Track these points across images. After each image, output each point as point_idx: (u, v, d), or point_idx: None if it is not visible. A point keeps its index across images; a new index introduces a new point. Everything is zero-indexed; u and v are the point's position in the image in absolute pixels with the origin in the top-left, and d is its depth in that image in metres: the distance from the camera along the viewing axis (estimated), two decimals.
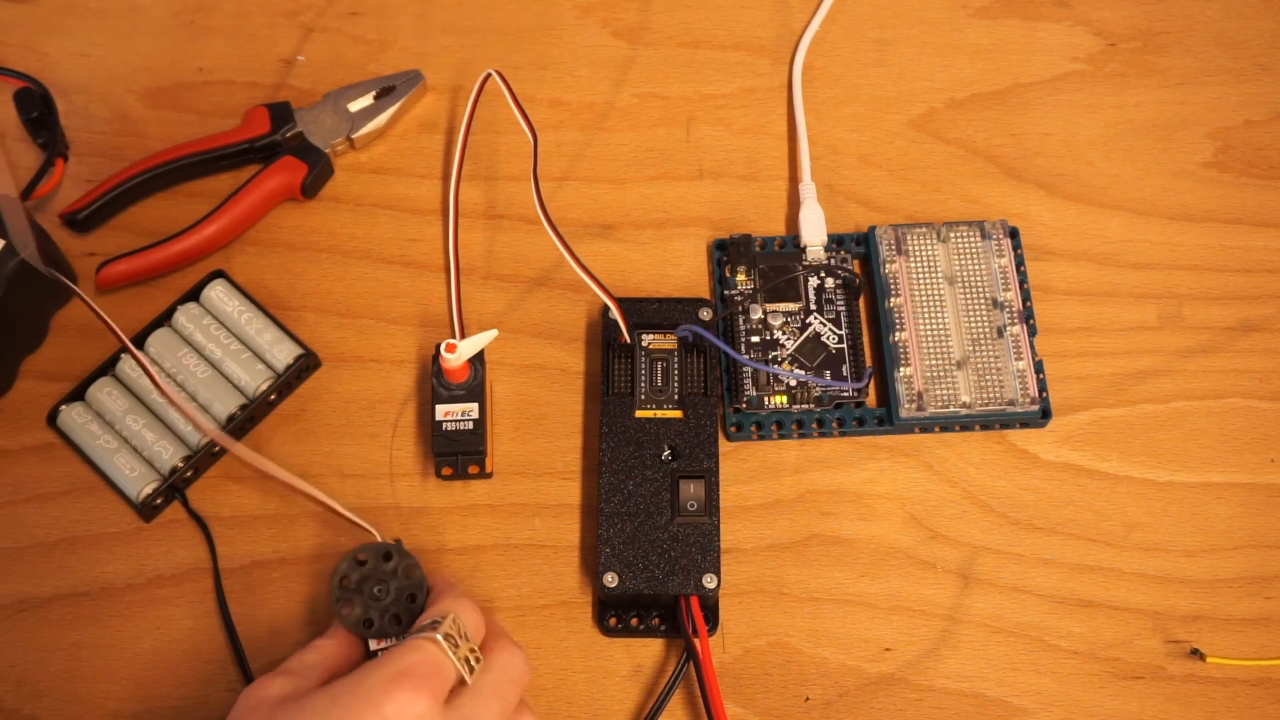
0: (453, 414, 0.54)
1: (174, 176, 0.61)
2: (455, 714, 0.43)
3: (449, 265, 0.60)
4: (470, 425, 0.54)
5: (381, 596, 0.49)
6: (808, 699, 0.53)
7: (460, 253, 0.61)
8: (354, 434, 0.57)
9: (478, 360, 0.55)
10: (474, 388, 0.55)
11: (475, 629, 0.46)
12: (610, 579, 0.52)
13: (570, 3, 0.67)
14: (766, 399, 0.57)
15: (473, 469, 0.55)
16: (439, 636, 0.44)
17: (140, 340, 0.58)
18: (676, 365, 0.56)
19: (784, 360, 0.57)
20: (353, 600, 0.48)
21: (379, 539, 0.53)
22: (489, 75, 0.54)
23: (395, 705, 0.41)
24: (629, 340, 0.56)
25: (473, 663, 0.45)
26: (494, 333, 0.54)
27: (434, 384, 0.55)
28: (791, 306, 0.59)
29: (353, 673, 0.43)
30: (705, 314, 0.57)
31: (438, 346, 0.54)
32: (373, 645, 0.49)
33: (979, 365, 0.57)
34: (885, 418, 0.57)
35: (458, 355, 0.53)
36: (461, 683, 0.44)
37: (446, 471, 0.55)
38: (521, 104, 0.58)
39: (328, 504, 0.55)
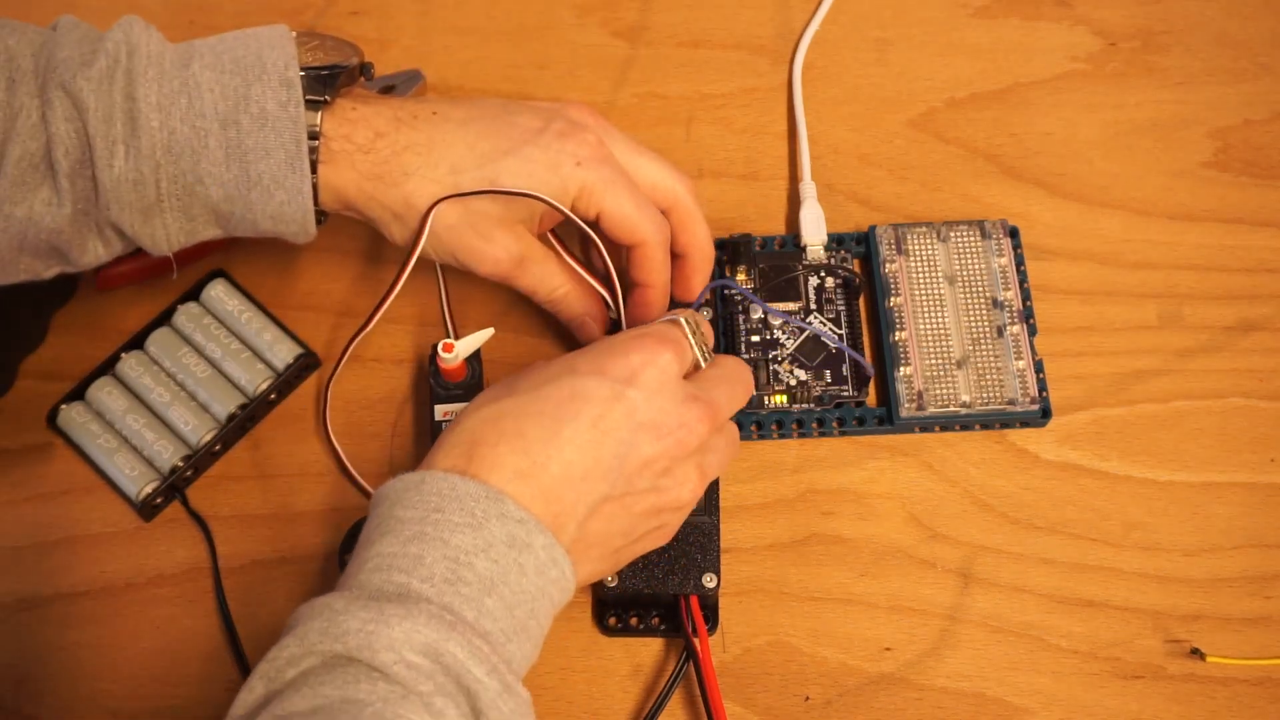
0: (452, 413, 0.55)
1: None
2: (692, 384, 0.48)
3: (437, 264, 0.60)
4: None
5: None
6: (808, 698, 0.53)
7: None
8: (354, 434, 0.57)
9: (475, 359, 0.55)
10: (472, 387, 0.55)
11: (709, 335, 0.51)
12: (610, 578, 0.52)
13: (570, 3, 0.67)
14: (766, 398, 0.56)
15: None
16: (681, 319, 0.49)
17: (140, 340, 0.58)
18: None
19: (784, 360, 0.57)
20: None
21: None
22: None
23: (641, 354, 0.46)
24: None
25: (707, 354, 0.50)
26: (490, 331, 0.54)
27: (431, 384, 0.55)
28: (791, 306, 0.59)
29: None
30: (705, 313, 0.57)
31: (434, 346, 0.54)
32: None
33: (979, 365, 0.57)
34: (885, 417, 0.57)
35: (455, 355, 0.53)
36: (697, 367, 0.49)
37: None
38: None
39: None
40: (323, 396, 0.57)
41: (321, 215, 0.51)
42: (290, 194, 0.48)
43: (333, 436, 0.57)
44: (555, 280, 0.53)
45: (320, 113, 0.49)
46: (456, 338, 0.54)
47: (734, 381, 0.50)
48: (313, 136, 0.48)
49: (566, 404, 0.45)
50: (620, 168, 0.52)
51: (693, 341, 0.49)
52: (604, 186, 0.51)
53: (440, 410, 0.55)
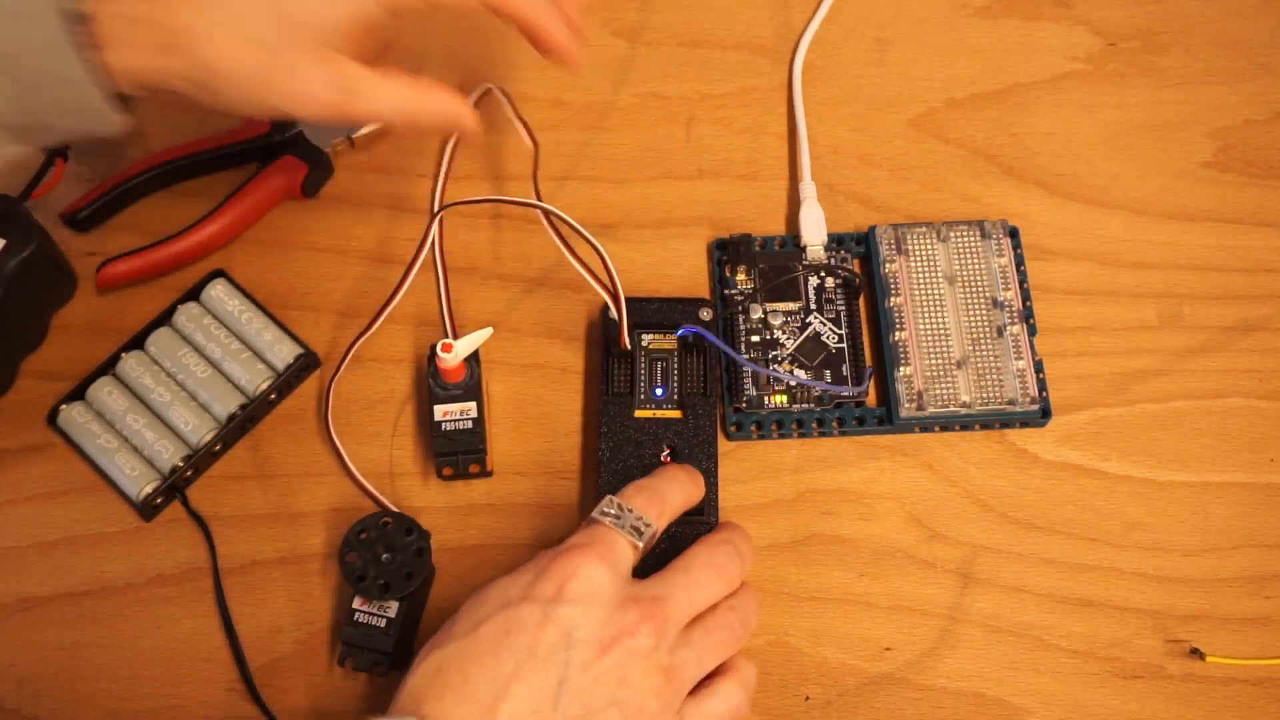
0: (451, 413, 0.55)
1: (174, 176, 0.61)
2: (635, 582, 0.47)
3: (436, 265, 0.60)
4: (469, 424, 0.54)
5: (385, 561, 0.51)
6: (808, 698, 0.53)
7: (461, 251, 0.61)
8: (354, 434, 0.57)
9: (473, 359, 0.55)
10: (471, 387, 0.55)
11: (646, 505, 0.49)
12: None
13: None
14: (766, 398, 0.56)
15: (473, 468, 0.55)
16: (596, 515, 0.48)
17: (140, 340, 0.58)
18: (676, 365, 0.56)
19: (784, 360, 0.57)
20: (357, 551, 0.51)
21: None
22: (488, 89, 0.53)
23: (564, 567, 0.45)
24: (628, 346, 0.56)
25: (641, 529, 0.48)
26: (489, 331, 0.54)
27: (430, 384, 0.55)
28: (791, 306, 0.59)
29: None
30: (705, 314, 0.57)
31: (433, 346, 0.54)
32: (355, 604, 0.51)
33: (979, 365, 0.57)
34: (885, 417, 0.57)
35: (454, 355, 0.53)
36: (635, 549, 0.48)
37: (447, 472, 0.55)
38: (520, 110, 0.57)
39: None
40: (325, 397, 0.57)
41: (127, 100, 0.46)
42: (71, 87, 0.44)
43: (335, 437, 0.57)
44: (394, 96, 0.48)
45: None
46: (456, 338, 0.54)
47: (681, 568, 0.48)
48: (79, 20, 0.43)
49: (503, 639, 0.43)
50: None
51: (619, 529, 0.47)
52: None
53: (440, 410, 0.54)
